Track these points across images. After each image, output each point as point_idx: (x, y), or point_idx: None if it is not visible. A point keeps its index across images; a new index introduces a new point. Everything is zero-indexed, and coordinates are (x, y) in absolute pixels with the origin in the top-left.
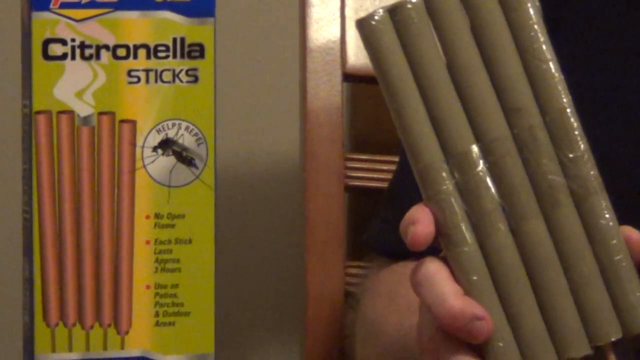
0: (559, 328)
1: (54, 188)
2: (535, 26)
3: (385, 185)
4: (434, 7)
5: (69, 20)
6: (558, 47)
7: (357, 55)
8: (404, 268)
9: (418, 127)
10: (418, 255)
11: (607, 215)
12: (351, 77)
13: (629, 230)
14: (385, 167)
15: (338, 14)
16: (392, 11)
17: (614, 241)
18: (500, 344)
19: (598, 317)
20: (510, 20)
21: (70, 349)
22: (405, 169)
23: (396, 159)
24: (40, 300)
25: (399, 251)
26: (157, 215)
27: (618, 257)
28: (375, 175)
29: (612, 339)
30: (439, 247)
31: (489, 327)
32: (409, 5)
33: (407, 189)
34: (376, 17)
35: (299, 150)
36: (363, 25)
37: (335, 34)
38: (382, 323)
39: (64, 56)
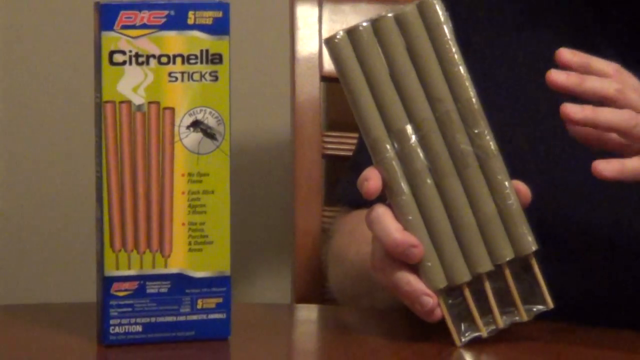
0: (470, 252)
1: (117, 155)
2: (450, 41)
3: (350, 154)
4: (378, 29)
5: (127, 37)
6: (467, 56)
7: (330, 64)
8: (361, 213)
9: (368, 113)
10: (370, 204)
11: (502, 172)
12: (326, 79)
13: (517, 183)
14: (350, 142)
15: (317, 34)
16: (349, 32)
17: (507, 190)
18: (429, 264)
19: (497, 244)
20: (432, 37)
21: (129, 267)
22: (361, 146)
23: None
24: (108, 234)
25: (358, 202)
26: (189, 174)
27: (510, 202)
28: (343, 147)
29: (507, 259)
30: (385, 197)
31: (420, 252)
32: (361, 28)
33: (363, 160)
34: (338, 37)
35: (290, 129)
36: (328, 42)
37: (315, 48)
38: (345, 252)
39: (124, 62)
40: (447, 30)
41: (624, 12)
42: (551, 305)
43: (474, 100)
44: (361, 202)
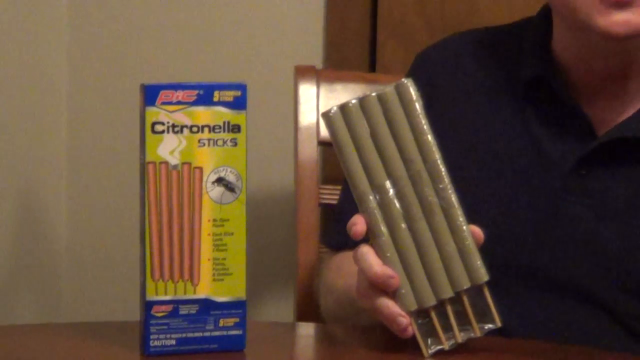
0: (435, 282)
1: (157, 204)
2: (420, 114)
3: None
4: (364, 105)
5: (166, 112)
6: (434, 123)
7: (325, 131)
8: (345, 254)
9: (356, 172)
10: (351, 247)
11: (460, 219)
12: (322, 143)
13: (472, 227)
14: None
15: (315, 108)
16: (341, 108)
17: (465, 233)
18: (403, 291)
19: (457, 275)
20: (406, 112)
21: (165, 293)
22: (342, 202)
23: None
24: (149, 267)
25: (342, 246)
26: (214, 220)
27: (467, 242)
28: (335, 197)
29: (465, 287)
30: (368, 238)
31: (396, 282)
32: (350, 105)
33: (344, 215)
34: (332, 111)
35: (293, 183)
36: (325, 115)
37: (314, 119)
38: (334, 283)
39: (163, 131)
40: (418, 106)
41: (550, 100)
42: (499, 324)
43: (439, 161)
44: (343, 246)
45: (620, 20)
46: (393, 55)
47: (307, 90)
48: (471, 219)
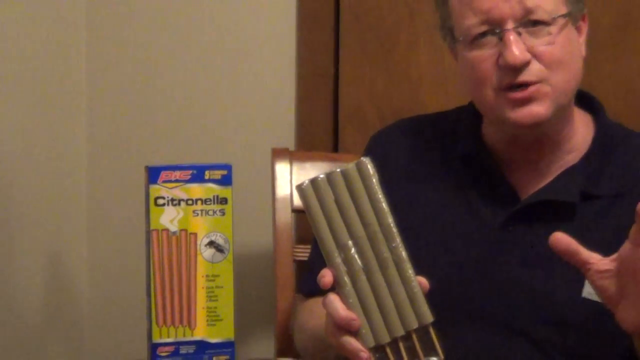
0: (389, 323)
1: (160, 264)
2: (376, 186)
3: None
4: (331, 179)
5: (166, 188)
6: (388, 191)
7: (298, 201)
8: (315, 299)
9: (324, 233)
10: (321, 294)
11: (410, 271)
12: (295, 211)
13: (419, 278)
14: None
15: (289, 183)
16: (312, 181)
17: (413, 283)
18: (363, 331)
19: (407, 317)
20: (365, 185)
21: (168, 337)
22: (313, 257)
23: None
24: (154, 315)
25: (313, 293)
26: (207, 275)
27: (415, 290)
28: (307, 255)
29: (413, 327)
30: (335, 287)
31: (358, 324)
32: (319, 179)
33: (315, 267)
34: (304, 184)
35: (272, 243)
36: (298, 187)
37: (288, 192)
38: (306, 323)
39: (164, 204)
40: (375, 180)
41: (481, 171)
42: (442, 357)
43: (392, 224)
44: (314, 292)
45: (527, 112)
46: (351, 138)
47: (282, 168)
48: (421, 268)
